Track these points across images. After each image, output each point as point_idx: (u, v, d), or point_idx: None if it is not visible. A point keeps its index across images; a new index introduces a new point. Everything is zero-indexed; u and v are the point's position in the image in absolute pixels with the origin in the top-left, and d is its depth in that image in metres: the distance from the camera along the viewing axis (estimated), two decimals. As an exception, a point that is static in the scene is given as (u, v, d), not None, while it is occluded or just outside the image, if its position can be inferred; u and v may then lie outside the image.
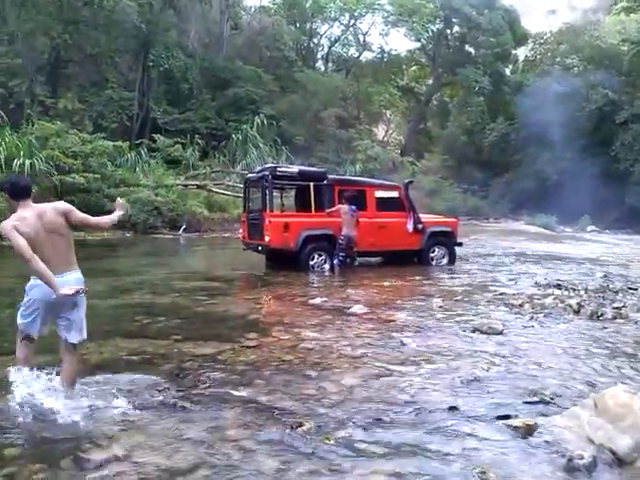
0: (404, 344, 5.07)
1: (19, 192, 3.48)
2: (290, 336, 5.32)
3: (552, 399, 3.71)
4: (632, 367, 4.56)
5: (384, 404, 3.57)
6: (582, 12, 53.63)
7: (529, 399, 3.67)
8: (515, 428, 3.19)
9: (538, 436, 3.12)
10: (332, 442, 3.01)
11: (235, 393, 3.75)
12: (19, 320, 3.52)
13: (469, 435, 3.13)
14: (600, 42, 38.65)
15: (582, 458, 2.81)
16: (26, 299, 3.49)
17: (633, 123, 32.75)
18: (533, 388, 3.95)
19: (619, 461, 2.87)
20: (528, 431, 3.16)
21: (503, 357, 4.73)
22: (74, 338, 3.60)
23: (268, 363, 4.41)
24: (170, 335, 5.30)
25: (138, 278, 9.59)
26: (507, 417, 3.31)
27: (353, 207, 10.06)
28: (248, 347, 4.88)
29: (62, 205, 3.58)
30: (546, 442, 3.06)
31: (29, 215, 3.39)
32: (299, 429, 3.15)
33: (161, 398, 3.62)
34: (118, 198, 3.89)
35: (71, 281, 3.50)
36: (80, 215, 3.58)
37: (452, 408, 3.49)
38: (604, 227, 29.94)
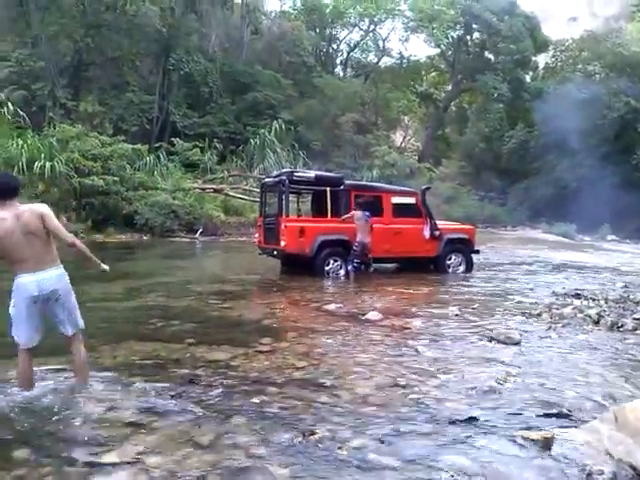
0: (419, 352, 5.01)
1: (8, 192, 3.54)
2: (304, 342, 5.28)
3: (570, 412, 3.63)
4: (653, 381, 4.45)
5: (399, 414, 3.51)
6: (604, 20, 53.12)
7: (547, 411, 3.59)
8: (533, 441, 3.11)
9: (556, 450, 3.04)
10: (345, 452, 2.96)
11: (247, 400, 3.72)
12: (14, 333, 3.63)
13: (485, 447, 3.06)
14: (623, 49, 38.17)
15: (602, 473, 2.74)
16: (11, 304, 3.60)
17: (656, 131, 32.28)
18: (551, 400, 3.87)
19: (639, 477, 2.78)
20: (546, 444, 3.08)
21: (520, 368, 4.64)
22: (69, 331, 3.75)
23: (281, 370, 4.37)
24: (184, 339, 5.29)
25: (154, 280, 9.64)
26: (526, 429, 3.23)
27: (367, 213, 10.02)
28: (261, 352, 4.85)
29: (40, 208, 3.61)
30: (564, 456, 2.97)
31: (7, 216, 3.46)
32: (311, 437, 3.11)
33: (173, 403, 3.61)
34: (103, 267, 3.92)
35: (52, 278, 3.60)
36: (53, 223, 3.58)
37: (471, 419, 3.41)
38: (625, 236, 29.48)
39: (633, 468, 2.82)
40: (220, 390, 3.89)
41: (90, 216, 18.61)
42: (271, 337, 5.44)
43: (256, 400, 3.70)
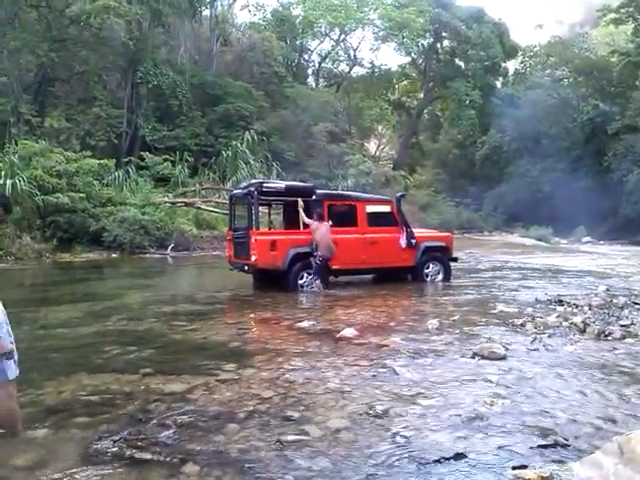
0: (397, 374, 4.59)
1: None
2: (272, 367, 4.82)
3: (567, 440, 3.24)
4: (650, 396, 4.11)
5: (376, 453, 3.06)
6: (569, 26, 54.15)
7: (542, 442, 3.18)
8: (528, 481, 2.72)
9: (555, 490, 2.66)
10: (312, 507, 2.52)
11: (203, 441, 3.24)
12: None
13: (475, 492, 2.66)
14: (589, 54, 38.78)
15: (611, 521, 2.34)
16: None
17: (625, 134, 32.66)
18: (543, 425, 3.49)
19: (655, 524, 2.40)
20: (543, 485, 2.70)
21: (507, 387, 4.27)
22: None
23: (244, 402, 3.89)
24: (140, 368, 4.78)
25: (118, 302, 9.08)
26: (524, 467, 2.83)
27: (326, 223, 9.55)
28: (224, 382, 4.37)
29: None
30: (566, 499, 2.59)
31: None
32: (274, 489, 2.67)
33: (116, 449, 3.12)
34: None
35: None
36: None
37: (458, 455, 2.99)
38: (599, 238, 29.62)
39: (646, 511, 2.44)
40: (172, 430, 3.40)
41: (55, 235, 17.89)
42: (236, 362, 4.96)
43: (213, 441, 3.24)
